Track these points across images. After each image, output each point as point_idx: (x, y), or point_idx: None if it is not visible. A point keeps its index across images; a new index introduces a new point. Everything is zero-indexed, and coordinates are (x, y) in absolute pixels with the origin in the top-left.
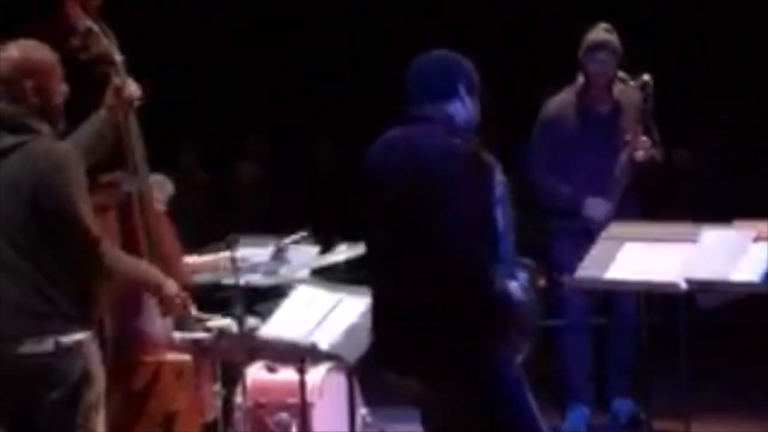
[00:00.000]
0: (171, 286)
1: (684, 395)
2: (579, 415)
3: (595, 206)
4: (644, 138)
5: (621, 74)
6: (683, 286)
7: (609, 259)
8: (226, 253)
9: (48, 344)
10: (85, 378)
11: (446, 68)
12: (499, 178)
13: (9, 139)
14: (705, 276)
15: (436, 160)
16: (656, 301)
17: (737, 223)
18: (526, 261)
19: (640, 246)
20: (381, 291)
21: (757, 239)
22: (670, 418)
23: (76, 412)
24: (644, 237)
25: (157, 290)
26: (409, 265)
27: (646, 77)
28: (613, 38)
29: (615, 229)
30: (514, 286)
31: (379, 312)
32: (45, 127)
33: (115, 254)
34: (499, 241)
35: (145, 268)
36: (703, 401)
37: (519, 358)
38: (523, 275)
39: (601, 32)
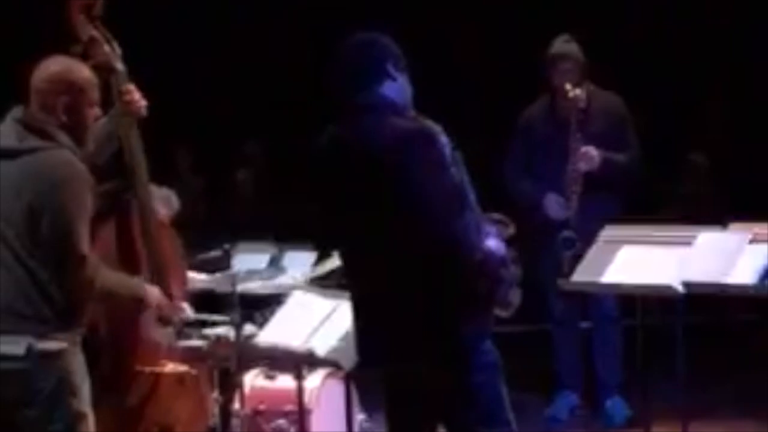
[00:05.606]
0: (152, 295)
1: (681, 397)
2: (565, 402)
3: (552, 203)
4: (584, 150)
5: (591, 87)
6: (680, 289)
7: (605, 262)
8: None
9: (20, 347)
10: (65, 388)
11: (369, 51)
12: (443, 140)
13: (32, 142)
14: (701, 279)
15: (388, 147)
16: (652, 302)
17: (733, 226)
18: (494, 215)
19: (636, 249)
20: (359, 291)
21: (752, 241)
22: (668, 420)
23: (58, 423)
24: (640, 240)
25: (139, 304)
26: (387, 259)
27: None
28: (573, 48)
29: (611, 232)
30: (494, 243)
31: (361, 312)
32: (68, 142)
33: (101, 273)
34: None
35: (127, 283)
36: (700, 403)
37: (509, 311)
38: (492, 229)
39: (561, 44)
